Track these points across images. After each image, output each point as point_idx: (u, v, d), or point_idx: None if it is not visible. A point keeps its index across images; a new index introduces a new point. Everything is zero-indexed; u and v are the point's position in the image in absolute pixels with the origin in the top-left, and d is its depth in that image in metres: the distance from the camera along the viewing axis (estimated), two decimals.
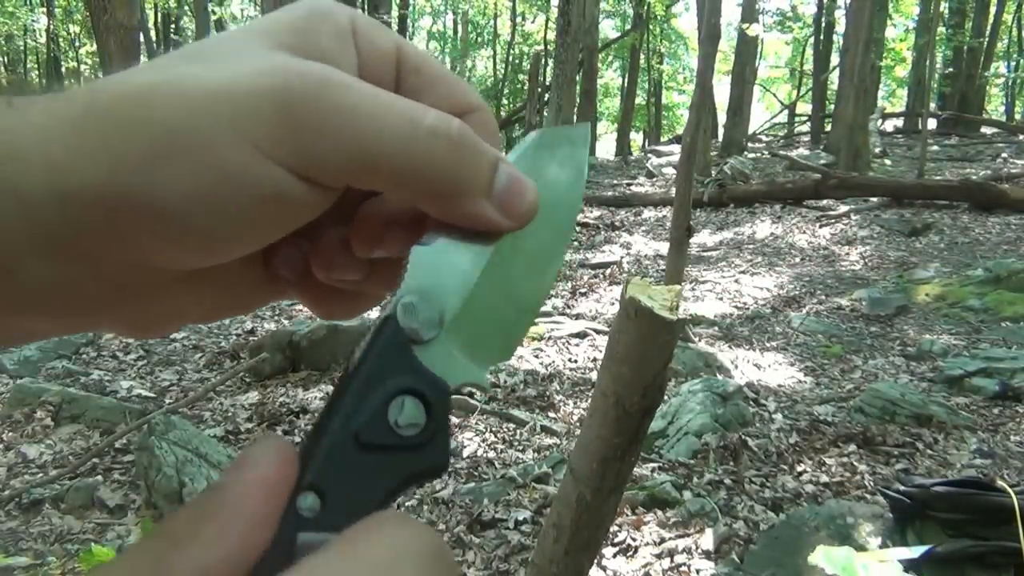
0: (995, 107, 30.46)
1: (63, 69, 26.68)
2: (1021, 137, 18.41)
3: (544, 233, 0.29)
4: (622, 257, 9.28)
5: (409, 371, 0.25)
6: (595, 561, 2.03)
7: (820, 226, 10.35)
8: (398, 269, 0.30)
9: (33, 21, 23.46)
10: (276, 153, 0.23)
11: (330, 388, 4.51)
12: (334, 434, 0.24)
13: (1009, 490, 2.13)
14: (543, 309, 6.40)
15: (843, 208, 10.88)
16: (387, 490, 0.24)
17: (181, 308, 0.29)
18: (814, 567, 2.34)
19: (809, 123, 22.86)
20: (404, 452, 0.25)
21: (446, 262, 0.27)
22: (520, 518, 2.91)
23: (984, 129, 21.61)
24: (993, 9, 22.78)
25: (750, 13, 17.55)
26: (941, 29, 18.51)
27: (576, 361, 5.15)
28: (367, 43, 0.28)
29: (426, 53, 0.30)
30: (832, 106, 20.42)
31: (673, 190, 7.02)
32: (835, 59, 21.59)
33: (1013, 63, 26.90)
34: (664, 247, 7.24)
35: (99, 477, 3.39)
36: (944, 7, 20.20)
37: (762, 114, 33.64)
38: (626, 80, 26.81)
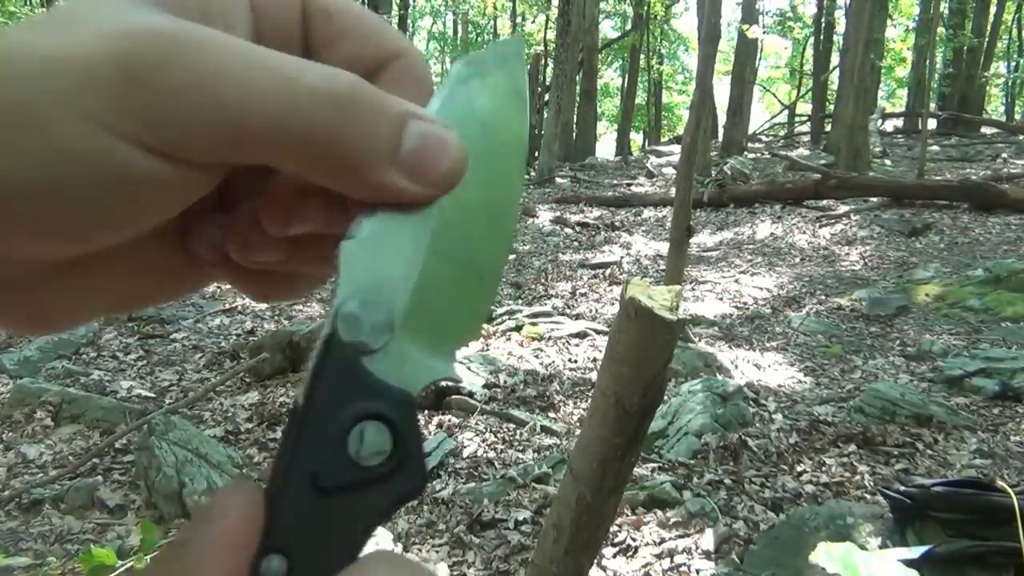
0: (995, 107, 30.47)
1: None
2: (1021, 137, 18.42)
3: (490, 181, 0.25)
4: (622, 257, 9.28)
5: (364, 392, 0.22)
6: (595, 561, 2.03)
7: (820, 226, 10.35)
8: (326, 245, 0.26)
9: None
10: (123, 129, 0.20)
11: None
12: (292, 484, 0.22)
13: (1009, 490, 2.13)
14: (543, 309, 6.42)
15: (843, 208, 10.88)
16: (361, 531, 0.22)
17: (83, 298, 0.26)
18: (814, 567, 2.34)
19: (809, 123, 22.87)
20: (373, 485, 0.22)
21: (382, 250, 0.23)
22: (520, 518, 2.91)
23: (984, 129, 21.62)
24: (993, 9, 22.80)
25: (750, 14, 17.56)
26: (941, 29, 18.51)
27: (576, 361, 5.15)
28: None
29: None
30: (832, 106, 20.42)
31: (673, 190, 7.02)
32: (835, 59, 21.61)
33: (1013, 63, 26.92)
34: (664, 247, 7.24)
35: (99, 477, 3.39)
36: (944, 7, 20.20)
37: (762, 114, 33.66)
38: (626, 80, 26.81)
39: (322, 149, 0.22)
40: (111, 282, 0.27)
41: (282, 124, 0.21)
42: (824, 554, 0.79)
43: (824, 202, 11.31)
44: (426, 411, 4.10)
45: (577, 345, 5.48)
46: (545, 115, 17.37)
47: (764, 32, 23.75)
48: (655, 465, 3.36)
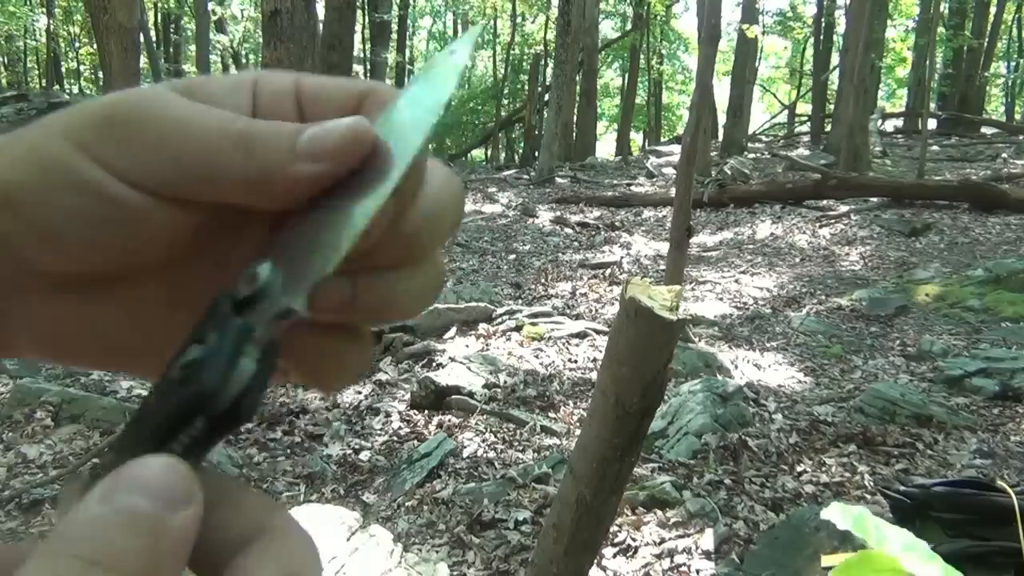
0: (995, 107, 30.46)
1: (63, 69, 26.67)
2: (1021, 137, 18.42)
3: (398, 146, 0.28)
4: (622, 257, 9.28)
5: (214, 327, 0.25)
6: (595, 561, 2.03)
7: (820, 226, 10.35)
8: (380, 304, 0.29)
9: (33, 21, 23.45)
10: (100, 156, 0.27)
11: None
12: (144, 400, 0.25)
13: (1009, 490, 2.13)
14: (543, 309, 6.42)
15: (843, 208, 10.88)
16: (168, 423, 0.24)
17: (92, 334, 0.30)
18: (814, 567, 2.34)
19: (809, 123, 22.87)
20: (181, 385, 0.24)
21: (296, 230, 0.28)
22: (520, 518, 2.91)
23: (984, 129, 21.63)
24: (993, 9, 22.80)
25: (750, 14, 17.56)
26: (941, 29, 18.51)
27: (576, 361, 5.15)
28: (265, 88, 0.31)
29: (323, 79, 0.31)
30: (832, 106, 20.42)
31: (673, 190, 7.02)
32: (835, 59, 21.61)
33: (1013, 63, 26.91)
34: (664, 247, 7.24)
35: None
36: (944, 7, 20.21)
37: (762, 114, 33.64)
38: (626, 80, 26.80)
39: (243, 170, 0.27)
40: (128, 333, 0.30)
41: (216, 156, 0.27)
42: (837, 512, 0.80)
43: (824, 202, 11.30)
44: (426, 411, 4.10)
45: (577, 345, 5.48)
46: (545, 115, 17.37)
47: (764, 32, 23.75)
48: (655, 465, 3.36)
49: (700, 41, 6.25)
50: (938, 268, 7.86)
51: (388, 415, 4.08)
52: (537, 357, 5.15)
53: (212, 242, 0.30)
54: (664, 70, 29.38)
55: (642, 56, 24.12)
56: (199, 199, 0.27)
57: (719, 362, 4.91)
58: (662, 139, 26.79)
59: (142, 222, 0.27)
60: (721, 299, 7.25)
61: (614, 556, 2.66)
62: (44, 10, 23.44)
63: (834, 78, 21.49)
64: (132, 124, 0.27)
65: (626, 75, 26.92)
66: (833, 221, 10.44)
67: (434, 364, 4.81)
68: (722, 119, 20.23)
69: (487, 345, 5.33)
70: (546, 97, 19.21)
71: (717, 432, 3.61)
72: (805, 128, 23.69)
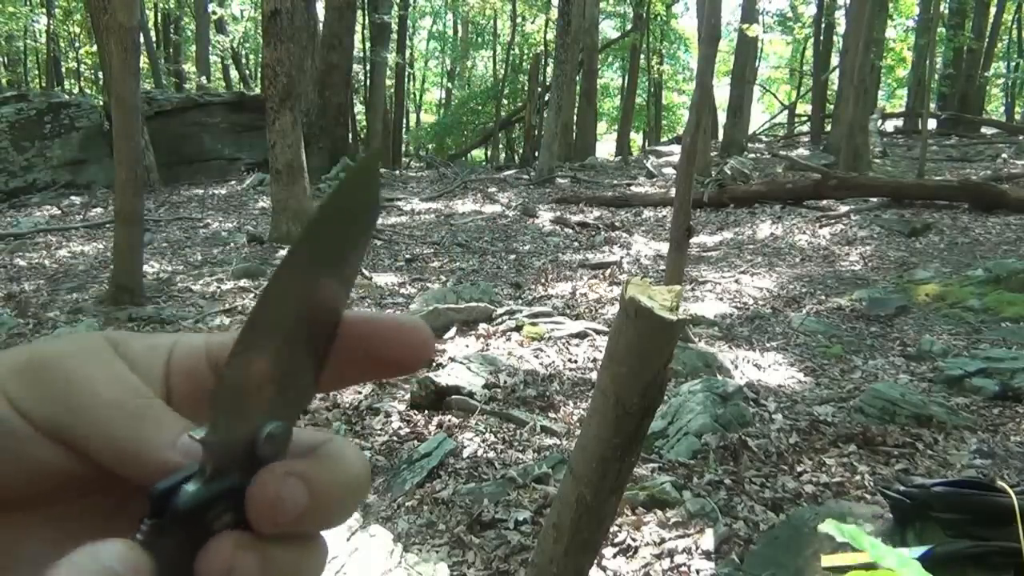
0: (995, 107, 30.47)
1: (63, 69, 26.68)
2: (1021, 137, 18.42)
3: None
4: (622, 257, 9.27)
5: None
6: (595, 561, 2.03)
7: (820, 226, 10.35)
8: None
9: (33, 21, 23.46)
10: (9, 390, 0.29)
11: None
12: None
13: (1009, 490, 2.13)
14: (543, 309, 6.42)
15: (843, 208, 10.88)
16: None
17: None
18: (814, 567, 2.34)
19: (809, 123, 22.87)
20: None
21: None
22: (520, 518, 2.91)
23: (984, 129, 21.64)
24: (993, 10, 22.80)
25: (750, 14, 17.56)
26: (941, 29, 18.51)
27: (576, 361, 5.15)
28: (181, 351, 0.33)
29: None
30: (832, 106, 20.43)
31: (673, 190, 7.02)
32: (835, 59, 21.60)
33: (1013, 63, 26.90)
34: (664, 247, 7.24)
35: None
36: (944, 7, 20.20)
37: (762, 114, 33.64)
38: (626, 80, 26.80)
39: (124, 438, 0.29)
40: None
41: (107, 419, 0.29)
42: (833, 527, 0.81)
43: (824, 202, 11.30)
44: (426, 411, 4.11)
45: (577, 345, 5.48)
46: (545, 115, 17.35)
47: (764, 31, 23.75)
48: (655, 465, 3.36)
49: (700, 41, 6.26)
50: (938, 268, 7.86)
51: (388, 415, 4.08)
52: (537, 357, 5.15)
53: (94, 495, 0.31)
54: (664, 70, 29.38)
55: (642, 56, 24.11)
56: (85, 451, 0.29)
57: (719, 362, 4.91)
58: (662, 139, 26.79)
59: (31, 456, 0.29)
60: (721, 299, 7.25)
61: (614, 556, 2.66)
62: (44, 10, 23.44)
63: (834, 78, 21.49)
64: (47, 371, 0.30)
65: (626, 75, 26.92)
66: (833, 221, 10.44)
67: (434, 364, 4.81)
68: (722, 119, 20.23)
69: (487, 345, 5.33)
70: (546, 97, 19.19)
71: (717, 432, 3.61)
72: (805, 128, 23.69)
